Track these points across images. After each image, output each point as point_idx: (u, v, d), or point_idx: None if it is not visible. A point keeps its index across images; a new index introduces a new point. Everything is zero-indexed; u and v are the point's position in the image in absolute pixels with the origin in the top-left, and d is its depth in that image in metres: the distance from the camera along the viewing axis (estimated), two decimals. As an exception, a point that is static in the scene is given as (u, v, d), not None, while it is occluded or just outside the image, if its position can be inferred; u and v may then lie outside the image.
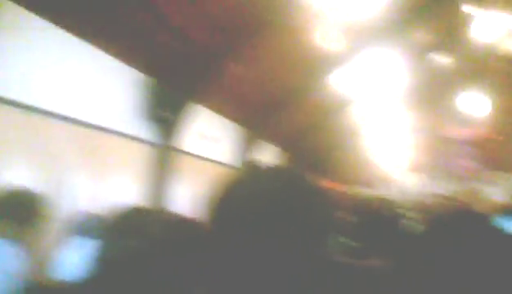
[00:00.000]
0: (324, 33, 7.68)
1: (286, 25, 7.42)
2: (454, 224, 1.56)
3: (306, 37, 7.66)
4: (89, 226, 3.20)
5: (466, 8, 9.75)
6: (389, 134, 13.52)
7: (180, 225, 2.21)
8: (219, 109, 8.51)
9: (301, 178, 1.08)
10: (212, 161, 8.39)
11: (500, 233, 2.28)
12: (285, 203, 0.98)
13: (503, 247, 2.27)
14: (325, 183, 13.10)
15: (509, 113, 13.56)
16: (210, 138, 8.33)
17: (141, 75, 6.33)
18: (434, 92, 13.72)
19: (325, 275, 1.13)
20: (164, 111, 6.87)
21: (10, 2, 4.03)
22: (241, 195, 1.01)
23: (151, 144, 6.76)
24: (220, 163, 8.70)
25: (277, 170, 1.16)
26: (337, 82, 9.29)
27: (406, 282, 1.62)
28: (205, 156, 8.20)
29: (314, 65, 8.82)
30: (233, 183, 1.07)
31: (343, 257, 2.45)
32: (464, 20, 10.11)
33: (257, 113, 9.22)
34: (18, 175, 4.03)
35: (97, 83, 5.45)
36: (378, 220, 3.02)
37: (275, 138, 10.48)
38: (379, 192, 12.55)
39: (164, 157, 7.07)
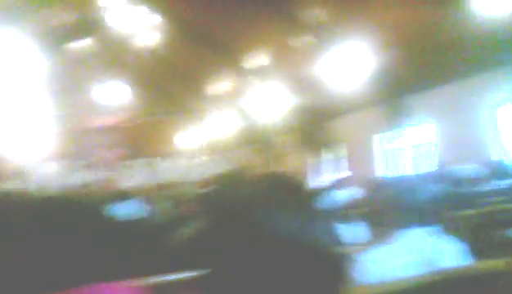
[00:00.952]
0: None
1: None
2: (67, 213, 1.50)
3: None
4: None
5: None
6: (27, 122, 12.57)
7: None
8: None
9: None
10: None
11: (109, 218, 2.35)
12: None
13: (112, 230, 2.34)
14: None
15: (147, 102, 14.71)
16: None
17: None
18: (74, 80, 13.53)
19: None
20: None
21: None
22: None
23: None
24: None
25: None
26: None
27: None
28: None
29: None
30: None
31: None
32: (105, 11, 10.27)
33: None
34: None
35: None
36: None
37: None
38: (13, 184, 11.57)
39: None
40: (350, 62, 7.89)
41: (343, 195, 2.98)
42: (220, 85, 12.66)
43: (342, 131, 10.60)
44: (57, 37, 10.24)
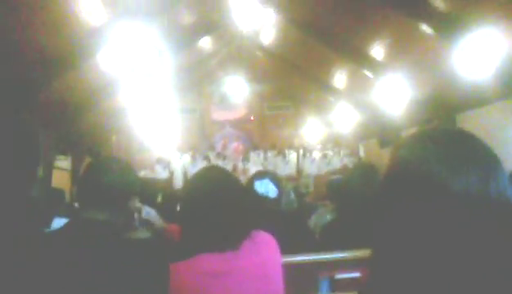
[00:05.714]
0: (87, 5, 7.17)
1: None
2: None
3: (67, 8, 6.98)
4: None
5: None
6: (159, 115, 13.57)
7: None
8: None
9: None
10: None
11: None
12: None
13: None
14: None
15: (262, 97, 15.12)
16: None
17: None
18: (200, 75, 14.33)
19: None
20: None
21: None
22: None
23: None
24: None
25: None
26: (104, 60, 8.75)
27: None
28: None
29: (78, 39, 8.06)
30: None
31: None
32: (227, 9, 10.71)
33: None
34: None
35: None
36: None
37: (36, 117, 9.26)
38: (152, 173, 12.51)
39: None
40: (481, 52, 7.36)
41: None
42: (339, 79, 12.55)
43: (473, 124, 9.94)
44: (183, 36, 10.82)
